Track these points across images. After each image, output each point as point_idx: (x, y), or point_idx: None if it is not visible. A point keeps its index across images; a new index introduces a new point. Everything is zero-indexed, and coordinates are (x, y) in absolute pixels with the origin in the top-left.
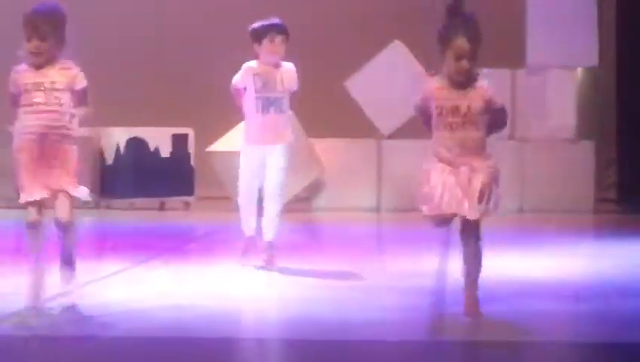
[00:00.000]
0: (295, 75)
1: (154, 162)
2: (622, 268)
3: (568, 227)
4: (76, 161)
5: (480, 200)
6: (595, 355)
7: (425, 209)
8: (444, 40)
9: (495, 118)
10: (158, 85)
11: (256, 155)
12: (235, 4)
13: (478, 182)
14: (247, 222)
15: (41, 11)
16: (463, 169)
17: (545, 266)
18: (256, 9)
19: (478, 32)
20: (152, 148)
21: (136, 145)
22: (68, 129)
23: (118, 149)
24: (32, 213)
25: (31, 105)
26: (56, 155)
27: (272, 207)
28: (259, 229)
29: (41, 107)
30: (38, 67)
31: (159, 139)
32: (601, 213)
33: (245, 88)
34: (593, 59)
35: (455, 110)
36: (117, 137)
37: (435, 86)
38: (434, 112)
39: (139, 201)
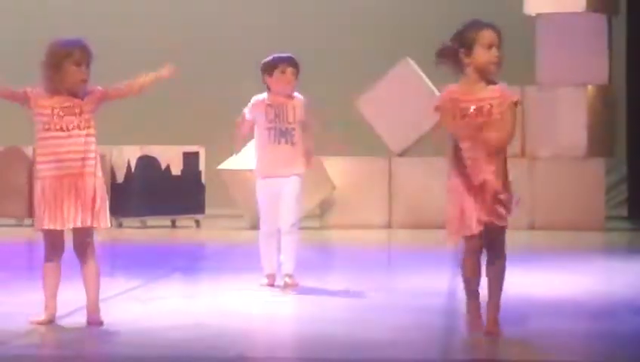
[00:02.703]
0: (302, 107)
1: (165, 180)
2: (634, 286)
3: (579, 244)
4: (101, 187)
5: (506, 209)
6: None
7: (455, 236)
8: (472, 33)
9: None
10: (169, 103)
11: (271, 188)
12: (245, 23)
13: (501, 188)
14: (268, 260)
15: (83, 41)
16: (485, 174)
17: (555, 284)
18: (266, 28)
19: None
20: (163, 167)
21: (148, 163)
22: (94, 152)
23: (129, 167)
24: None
25: (62, 130)
26: (81, 184)
27: (290, 242)
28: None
29: (75, 131)
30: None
31: (170, 157)
32: (613, 230)
33: (251, 120)
34: (604, 77)
35: (479, 111)
36: (128, 155)
37: (454, 89)
38: (457, 115)
39: (150, 219)
